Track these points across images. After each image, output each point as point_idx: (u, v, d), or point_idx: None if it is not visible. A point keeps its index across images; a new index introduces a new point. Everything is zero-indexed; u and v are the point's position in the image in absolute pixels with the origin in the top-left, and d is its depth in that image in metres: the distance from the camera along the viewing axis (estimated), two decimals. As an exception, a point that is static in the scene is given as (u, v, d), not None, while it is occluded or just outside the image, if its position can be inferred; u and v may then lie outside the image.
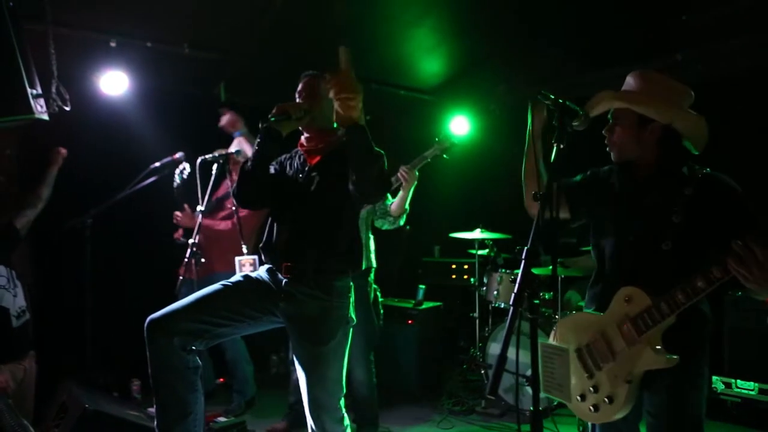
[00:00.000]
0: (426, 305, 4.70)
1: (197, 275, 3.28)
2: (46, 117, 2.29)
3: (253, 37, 4.07)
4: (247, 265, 2.97)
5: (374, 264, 3.56)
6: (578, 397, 1.97)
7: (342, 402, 2.37)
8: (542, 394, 1.68)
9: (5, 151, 3.89)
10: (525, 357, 1.58)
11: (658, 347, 1.81)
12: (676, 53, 3.98)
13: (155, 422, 2.28)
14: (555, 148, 1.77)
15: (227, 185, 3.92)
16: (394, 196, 3.45)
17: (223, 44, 4.21)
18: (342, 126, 2.21)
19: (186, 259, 3.16)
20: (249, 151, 3.61)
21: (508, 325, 1.57)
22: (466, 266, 5.39)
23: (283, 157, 2.58)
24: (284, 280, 2.33)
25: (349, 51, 2.08)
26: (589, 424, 2.11)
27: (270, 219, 2.48)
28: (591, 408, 1.93)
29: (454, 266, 5.48)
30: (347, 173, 2.23)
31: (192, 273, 3.17)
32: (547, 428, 3.54)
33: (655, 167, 1.97)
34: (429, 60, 4.86)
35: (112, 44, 3.77)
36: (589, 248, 2.18)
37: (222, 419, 3.65)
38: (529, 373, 1.64)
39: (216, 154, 3.38)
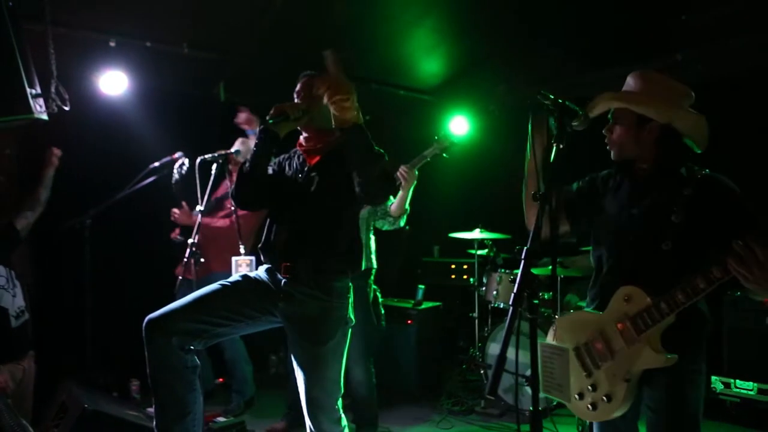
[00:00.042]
0: (425, 305, 4.70)
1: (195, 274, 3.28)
2: (45, 117, 2.28)
3: (252, 37, 4.07)
4: (243, 266, 2.96)
5: (374, 265, 3.56)
6: (576, 396, 1.97)
7: (340, 402, 2.37)
8: (541, 394, 1.68)
9: (5, 150, 3.89)
10: (524, 357, 1.58)
11: (658, 346, 1.81)
12: (676, 53, 3.98)
13: (154, 422, 2.28)
14: (555, 148, 1.77)
15: (226, 185, 3.92)
16: (393, 197, 3.44)
17: (223, 44, 4.21)
18: (341, 128, 2.21)
19: (185, 259, 3.15)
20: None
21: (507, 325, 1.57)
22: (465, 266, 5.39)
23: (282, 157, 2.58)
24: (283, 280, 2.33)
25: (335, 53, 2.08)
26: (588, 422, 2.11)
27: (269, 219, 2.48)
28: (589, 406, 1.94)
29: (453, 266, 5.49)
30: (347, 173, 2.23)
31: (191, 273, 3.16)
32: (546, 428, 3.54)
33: (654, 167, 1.98)
34: (429, 60, 4.86)
35: (112, 44, 3.77)
36: (589, 248, 2.18)
37: (221, 419, 3.65)
38: (528, 373, 1.64)
39: (215, 154, 3.38)
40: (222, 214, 4.05)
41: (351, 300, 2.40)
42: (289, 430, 3.72)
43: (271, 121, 2.28)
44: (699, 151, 1.99)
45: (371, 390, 3.53)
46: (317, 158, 2.44)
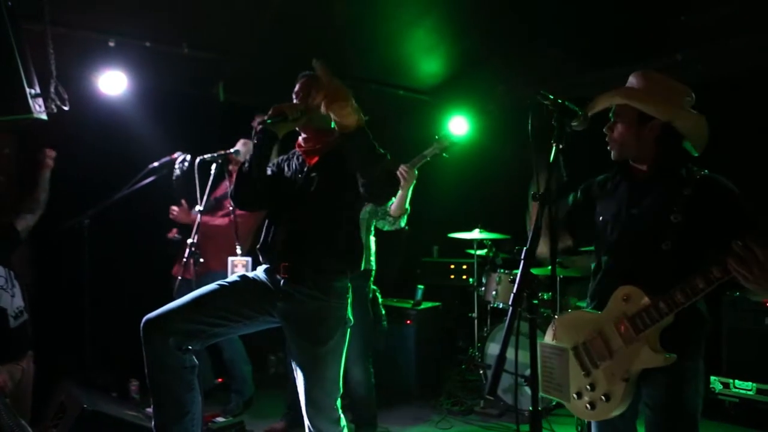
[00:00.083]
0: (424, 305, 4.70)
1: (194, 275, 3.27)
2: (44, 117, 2.28)
3: (252, 37, 4.07)
4: (239, 266, 2.96)
5: (373, 266, 3.56)
6: (575, 395, 1.97)
7: (339, 402, 2.37)
8: (540, 395, 1.68)
9: (4, 150, 3.88)
10: (524, 357, 1.58)
11: (656, 346, 1.82)
12: (676, 53, 3.97)
13: (153, 422, 2.28)
14: (554, 148, 1.77)
15: (226, 185, 3.91)
16: (393, 196, 3.44)
17: (222, 44, 4.21)
18: (344, 132, 2.19)
19: (184, 259, 3.15)
20: None
21: (507, 326, 1.57)
22: (464, 266, 5.39)
23: (281, 158, 2.58)
24: (282, 280, 2.33)
25: (324, 62, 2.09)
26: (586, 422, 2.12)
27: (267, 220, 2.47)
28: (587, 406, 1.94)
29: (452, 266, 5.48)
30: (346, 173, 2.23)
31: (190, 273, 3.15)
32: (544, 429, 3.54)
33: (653, 166, 1.98)
34: (428, 60, 4.85)
35: (111, 44, 3.76)
36: (588, 248, 2.18)
37: (220, 419, 3.65)
38: (528, 373, 1.64)
39: (215, 154, 3.38)
40: (221, 213, 4.05)
41: (350, 300, 2.40)
42: (288, 430, 3.72)
43: (269, 122, 2.28)
44: (696, 154, 2.00)
45: (370, 390, 3.53)
46: (316, 158, 2.44)
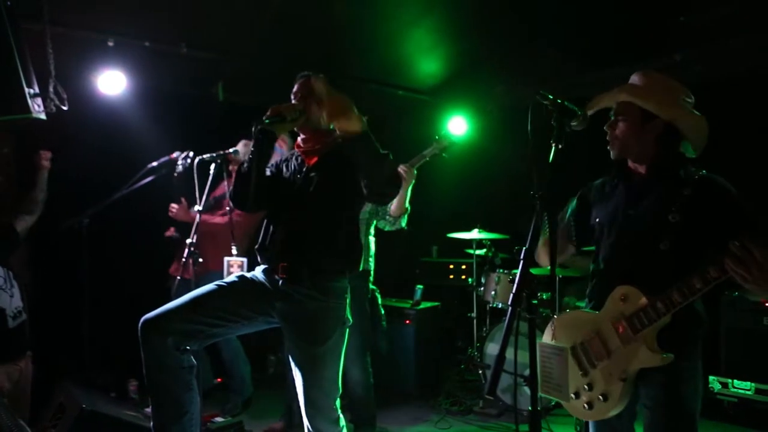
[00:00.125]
0: (424, 305, 4.69)
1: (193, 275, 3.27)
2: (43, 116, 2.28)
3: (252, 37, 4.06)
4: (235, 267, 2.96)
5: (372, 267, 3.56)
6: (572, 395, 1.97)
7: (338, 402, 2.37)
8: (539, 395, 1.68)
9: (3, 150, 3.88)
10: (523, 357, 1.58)
11: (654, 346, 1.82)
12: (675, 54, 3.97)
13: (151, 422, 2.28)
14: (554, 148, 1.77)
15: (225, 185, 3.90)
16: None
17: (222, 44, 4.20)
18: (350, 137, 2.19)
19: (183, 259, 3.15)
20: None
21: (506, 326, 1.57)
22: (463, 266, 5.39)
23: (280, 159, 2.58)
24: (281, 281, 2.32)
25: (322, 78, 2.09)
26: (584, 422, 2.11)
27: (266, 220, 2.47)
28: (585, 405, 1.94)
29: (451, 266, 5.48)
30: (346, 173, 2.23)
31: (189, 273, 3.15)
32: (544, 429, 3.54)
33: (652, 166, 1.98)
34: (427, 60, 4.85)
35: (110, 44, 3.76)
36: (588, 248, 2.18)
37: (219, 419, 3.64)
38: (527, 373, 1.63)
39: (214, 154, 3.37)
40: (220, 213, 4.04)
41: (348, 300, 2.40)
42: (287, 430, 3.72)
43: (267, 122, 2.28)
44: (694, 155, 2.00)
45: (369, 390, 3.53)
46: (315, 159, 2.44)
